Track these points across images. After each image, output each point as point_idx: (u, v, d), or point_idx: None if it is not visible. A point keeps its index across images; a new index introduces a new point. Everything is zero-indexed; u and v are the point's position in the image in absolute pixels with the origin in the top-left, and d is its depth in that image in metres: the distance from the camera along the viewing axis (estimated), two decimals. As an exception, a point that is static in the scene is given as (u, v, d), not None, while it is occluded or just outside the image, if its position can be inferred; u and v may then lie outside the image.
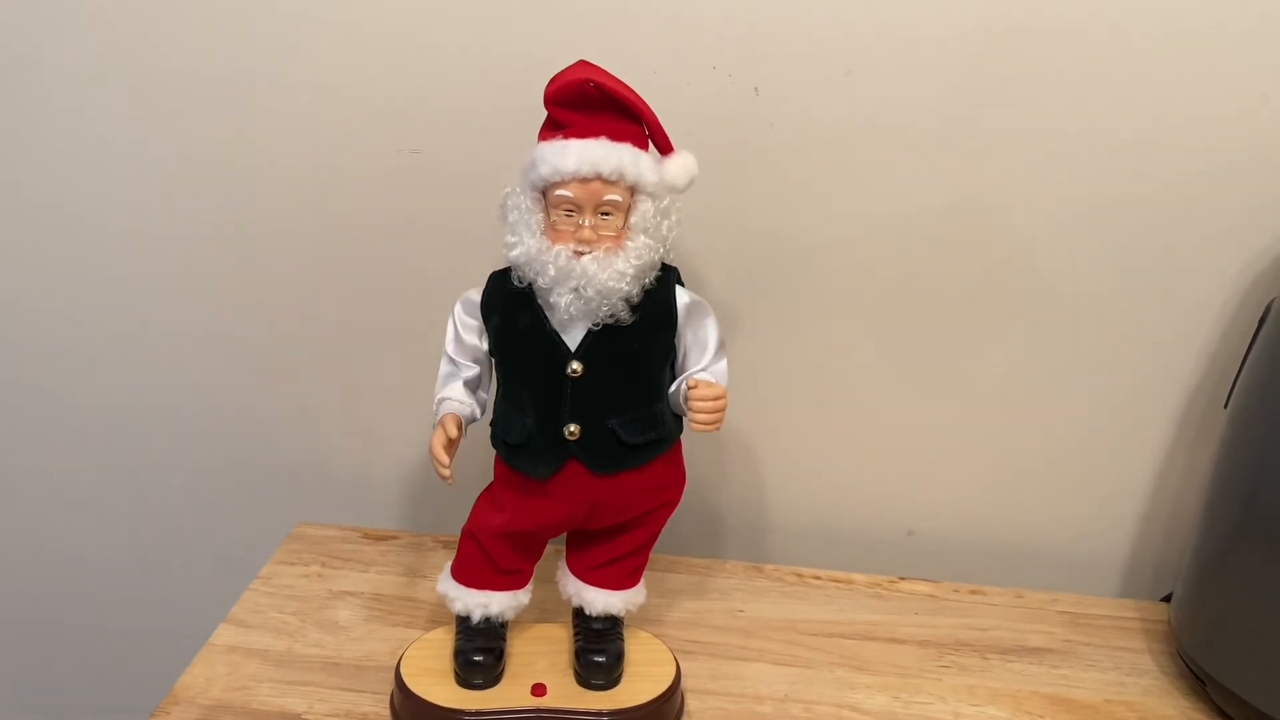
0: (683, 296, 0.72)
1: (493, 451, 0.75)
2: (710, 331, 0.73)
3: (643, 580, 0.79)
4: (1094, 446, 0.96)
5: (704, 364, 0.73)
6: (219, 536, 1.09)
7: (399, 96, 0.90)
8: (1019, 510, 1.00)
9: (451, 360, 0.74)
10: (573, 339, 0.70)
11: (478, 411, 0.75)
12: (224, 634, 0.85)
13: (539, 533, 0.76)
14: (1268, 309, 0.80)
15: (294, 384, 1.02)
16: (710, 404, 0.70)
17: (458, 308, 0.74)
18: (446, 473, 0.71)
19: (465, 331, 0.73)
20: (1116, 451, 0.96)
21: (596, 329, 0.69)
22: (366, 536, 0.99)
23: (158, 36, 0.90)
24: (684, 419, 0.73)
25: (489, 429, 0.75)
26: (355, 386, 1.02)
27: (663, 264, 0.71)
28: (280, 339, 1.00)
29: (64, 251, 0.99)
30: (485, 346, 0.73)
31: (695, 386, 0.70)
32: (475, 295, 0.73)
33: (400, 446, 1.04)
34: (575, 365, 0.70)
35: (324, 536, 0.99)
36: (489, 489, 0.77)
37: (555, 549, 0.80)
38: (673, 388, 0.74)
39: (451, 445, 0.71)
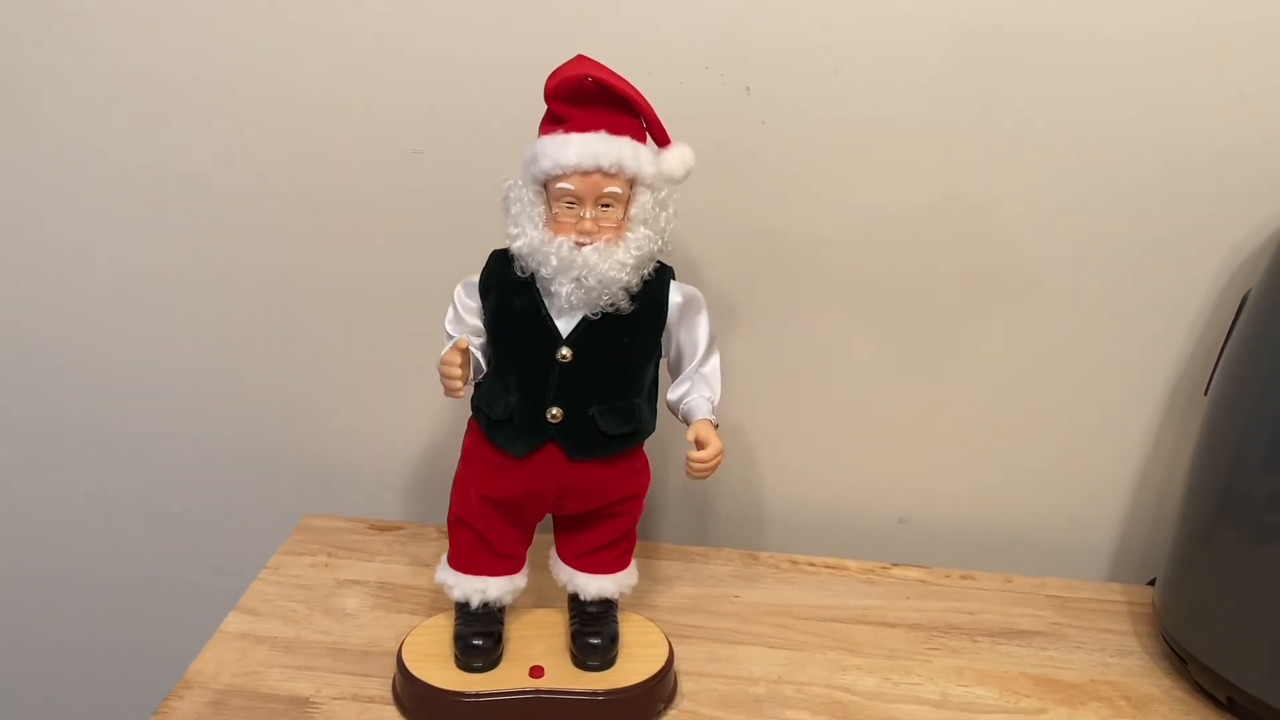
0: (675, 295, 0.74)
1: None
2: (702, 329, 0.75)
3: (633, 562, 0.81)
4: (1081, 434, 0.98)
5: (696, 363, 0.75)
6: (229, 529, 1.11)
7: (401, 97, 0.92)
8: (1008, 497, 1.01)
9: (451, 337, 0.75)
10: (565, 326, 0.72)
11: (483, 364, 0.75)
12: (234, 622, 0.87)
13: (509, 503, 0.76)
14: (1244, 299, 0.82)
15: (300, 381, 1.04)
16: (710, 464, 0.72)
17: (459, 289, 0.75)
18: (458, 381, 0.70)
19: (465, 313, 0.75)
20: (1103, 439, 0.98)
21: (594, 318, 0.71)
22: (372, 527, 1.01)
23: (160, 42, 0.92)
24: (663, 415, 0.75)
25: (470, 407, 0.77)
26: (360, 382, 1.04)
27: (659, 263, 0.73)
28: (286, 337, 1.02)
29: (69, 252, 1.01)
30: (483, 325, 0.75)
31: (697, 443, 0.72)
32: (476, 278, 0.74)
33: (404, 440, 1.06)
34: (565, 351, 0.71)
35: (330, 527, 1.01)
36: (457, 471, 0.79)
37: (547, 539, 0.82)
38: (673, 396, 0.76)
39: (463, 357, 0.70)
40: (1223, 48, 0.84)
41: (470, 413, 0.77)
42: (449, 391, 0.71)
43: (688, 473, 0.73)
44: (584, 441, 0.73)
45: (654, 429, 0.77)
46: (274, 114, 0.93)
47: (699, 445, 0.72)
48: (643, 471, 0.79)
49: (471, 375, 0.73)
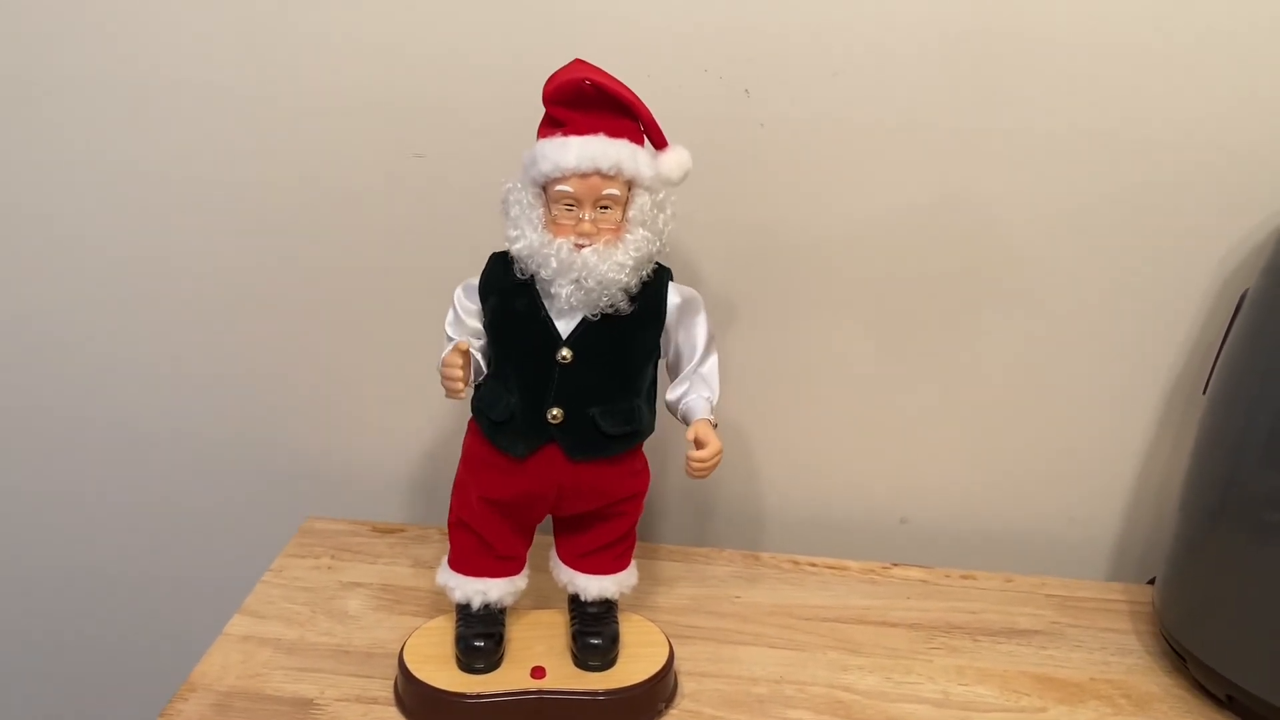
0: (674, 296, 0.74)
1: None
2: (700, 330, 0.76)
3: (633, 563, 0.82)
4: (1081, 434, 0.98)
5: (695, 363, 0.76)
6: (233, 532, 1.11)
7: (402, 102, 0.92)
8: (1009, 497, 1.02)
9: (451, 340, 0.75)
10: (565, 327, 0.72)
11: (483, 366, 0.75)
12: (238, 624, 0.87)
13: (510, 504, 0.77)
14: (1242, 298, 0.82)
15: (303, 384, 1.05)
16: (709, 463, 0.73)
17: (459, 292, 0.76)
18: (459, 383, 0.71)
19: (465, 315, 0.76)
20: (1103, 438, 0.98)
21: (593, 319, 0.71)
22: (374, 530, 1.02)
23: (164, 44, 0.92)
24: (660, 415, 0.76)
25: (471, 409, 0.77)
26: (362, 385, 1.04)
27: (658, 264, 0.73)
28: (289, 339, 1.03)
29: (72, 254, 1.01)
30: (483, 327, 0.76)
31: (697, 443, 0.73)
32: (475, 281, 0.75)
33: (406, 442, 1.06)
34: (565, 352, 0.72)
35: (333, 530, 1.01)
36: (458, 473, 0.79)
37: (547, 540, 0.82)
38: (672, 396, 0.76)
39: (464, 358, 0.71)
40: (1220, 48, 0.84)
41: (470, 414, 0.78)
42: (450, 393, 0.71)
43: (688, 472, 0.73)
44: (585, 442, 0.74)
45: (654, 429, 0.77)
46: (277, 117, 0.94)
47: (698, 445, 0.73)
48: (642, 472, 0.79)
49: (472, 377, 0.73)
